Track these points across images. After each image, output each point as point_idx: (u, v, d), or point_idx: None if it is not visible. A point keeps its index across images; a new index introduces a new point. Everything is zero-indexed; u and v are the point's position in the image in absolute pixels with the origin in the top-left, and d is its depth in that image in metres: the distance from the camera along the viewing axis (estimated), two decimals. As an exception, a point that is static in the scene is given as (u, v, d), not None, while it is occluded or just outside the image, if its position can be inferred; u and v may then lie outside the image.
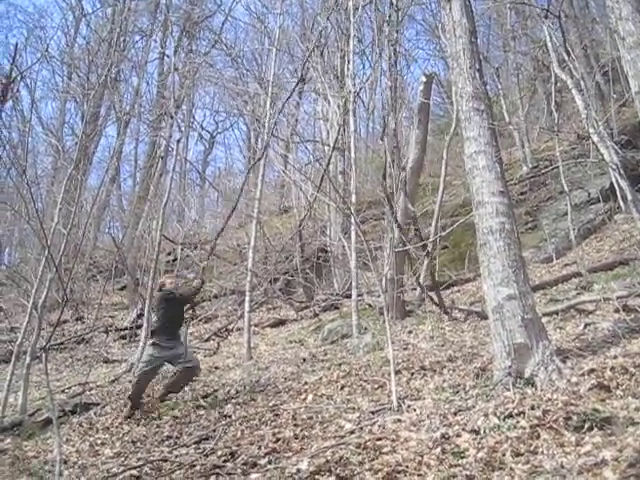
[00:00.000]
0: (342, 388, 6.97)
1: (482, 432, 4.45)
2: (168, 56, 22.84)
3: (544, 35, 13.84)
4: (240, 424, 6.45)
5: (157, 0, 25.32)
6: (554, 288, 10.66)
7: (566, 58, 11.07)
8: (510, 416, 4.57)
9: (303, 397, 6.95)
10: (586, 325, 7.34)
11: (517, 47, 21.65)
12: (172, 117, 15.58)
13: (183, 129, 21.87)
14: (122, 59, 22.50)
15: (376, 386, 6.73)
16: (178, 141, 15.12)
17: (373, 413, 5.71)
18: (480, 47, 19.29)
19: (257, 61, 25.86)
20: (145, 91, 27.08)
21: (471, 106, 6.54)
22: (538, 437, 4.14)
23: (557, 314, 8.31)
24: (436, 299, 10.37)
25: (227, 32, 36.78)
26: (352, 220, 10.69)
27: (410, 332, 9.49)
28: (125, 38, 23.74)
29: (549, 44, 10.31)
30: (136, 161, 28.17)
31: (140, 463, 5.39)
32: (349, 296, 10.78)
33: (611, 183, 12.66)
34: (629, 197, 8.16)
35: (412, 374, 6.91)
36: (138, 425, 7.35)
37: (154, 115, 22.82)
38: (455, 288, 12.11)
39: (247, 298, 11.30)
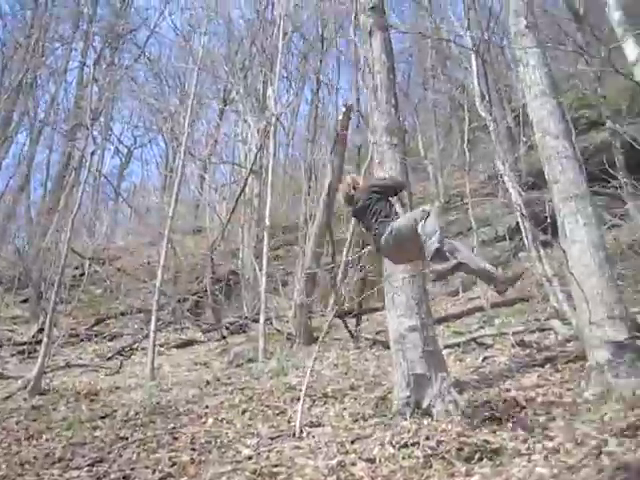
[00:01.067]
0: (243, 413, 6.90)
1: (377, 461, 4.50)
2: (88, 66, 22.34)
3: (462, 76, 14.39)
4: (137, 447, 6.26)
5: (80, 8, 24.75)
6: (458, 321, 10.96)
7: (485, 98, 11.49)
8: (405, 446, 4.65)
9: (203, 421, 6.83)
10: (485, 358, 7.59)
11: (436, 86, 22.34)
12: (88, 128, 15.23)
13: (99, 142, 21.41)
14: (40, 65, 21.91)
15: (277, 412, 6.70)
16: (92, 153, 14.77)
17: (272, 439, 5.68)
18: (400, 82, 19.93)
19: (180, 79, 25.67)
20: (62, 100, 26.32)
21: (385, 140, 6.69)
22: (431, 467, 4.23)
23: (459, 346, 8.54)
24: (345, 326, 10.47)
25: (151, 47, 36.43)
26: (264, 244, 10.68)
27: (315, 359, 9.50)
28: (44, 44, 23.09)
29: (474, 81, 10.68)
30: (48, 170, 27.21)
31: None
32: (257, 320, 10.74)
33: (517, 222, 13.17)
34: (529, 237, 8.51)
35: (314, 401, 6.92)
36: (29, 446, 7.05)
37: (69, 125, 22.22)
38: (364, 317, 12.24)
39: (153, 317, 11.08)
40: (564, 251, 6.03)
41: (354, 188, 5.65)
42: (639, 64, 4.86)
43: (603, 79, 14.71)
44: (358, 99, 13.33)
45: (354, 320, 10.93)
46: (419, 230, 4.65)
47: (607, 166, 14.20)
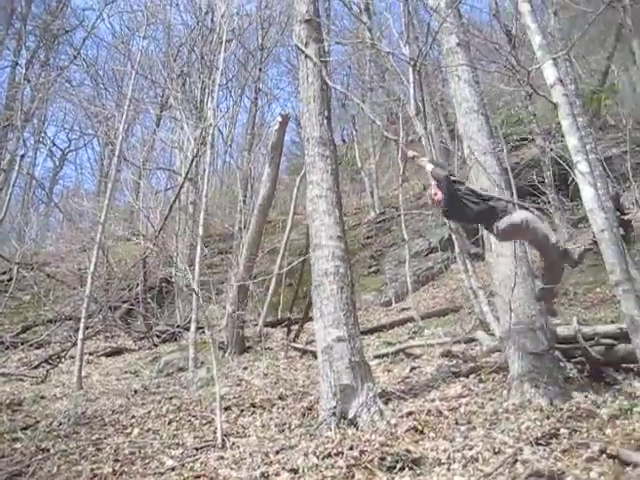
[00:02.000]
0: (170, 423, 6.83)
1: (301, 471, 4.53)
2: (20, 66, 21.77)
3: (399, 89, 14.60)
4: (58, 459, 6.11)
5: (13, 6, 24.10)
6: (390, 331, 11.09)
7: (420, 111, 11.65)
8: (329, 456, 4.68)
9: (129, 431, 6.73)
10: (412, 369, 7.70)
11: (373, 98, 22.60)
12: (19, 130, 14.88)
13: (31, 143, 20.92)
14: (-32, 63, 21.27)
15: (204, 422, 6.65)
16: (22, 156, 14.42)
17: (197, 449, 5.64)
18: (338, 93, 20.09)
19: (117, 82, 25.27)
20: (-8, 99, 25.55)
21: (317, 151, 6.75)
22: (353, 477, 4.28)
23: (387, 357, 8.63)
24: (280, 335, 10.50)
25: (88, 49, 35.82)
26: (197, 252, 10.59)
27: (246, 368, 9.48)
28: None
29: (410, 93, 10.83)
30: (-24, 172, 26.39)
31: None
32: (189, 328, 10.62)
33: (449, 234, 13.45)
34: (457, 250, 8.70)
35: (242, 411, 6.90)
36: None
37: (-1, 126, 21.60)
38: (296, 326, 12.26)
39: (82, 324, 10.83)
40: (489, 264, 6.18)
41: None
42: (556, 87, 5.03)
43: (533, 98, 15.18)
44: (293, 108, 13.34)
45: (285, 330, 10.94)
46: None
47: (537, 182, 14.67)
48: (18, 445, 6.86)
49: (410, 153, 6.27)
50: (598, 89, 17.20)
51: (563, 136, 5.59)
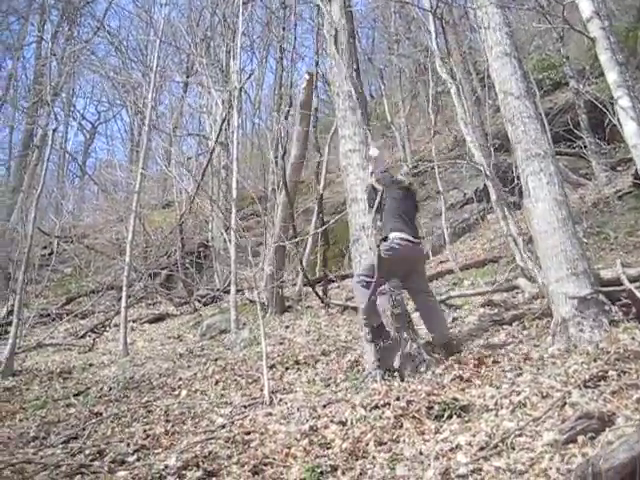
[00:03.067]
0: (216, 383, 6.95)
1: (349, 423, 4.57)
2: (46, 40, 21.84)
3: (426, 40, 14.31)
4: (111, 422, 6.28)
5: (34, -19, 24.14)
6: (429, 284, 11.04)
7: (446, 61, 11.46)
8: (376, 407, 4.72)
9: (177, 393, 6.88)
10: (454, 319, 7.69)
11: (400, 50, 22.21)
12: (49, 105, 14.98)
13: (61, 118, 21.08)
14: (-6, 41, 21.39)
15: (250, 381, 6.75)
16: (54, 130, 14.51)
17: (245, 407, 5.74)
18: (365, 48, 19.83)
19: (142, 51, 25.24)
20: (21, 76, 25.73)
21: (347, 105, 6.69)
22: (401, 426, 4.31)
23: (429, 309, 8.60)
24: (315, 293, 10.53)
25: (111, 19, 35.79)
26: (233, 215, 10.63)
27: (287, 327, 9.57)
28: (-2, 18, 22.53)
29: (433, 44, 10.61)
30: (10, 149, 26.73)
31: None
32: (229, 291, 10.73)
33: (485, 184, 13.27)
34: (494, 198, 8.58)
35: (286, 368, 6.98)
36: (3, 427, 7.02)
37: (30, 102, 21.77)
38: (334, 284, 12.30)
39: (124, 293, 11.02)
40: (528, 210, 6.10)
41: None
42: (593, 20, 4.87)
43: (566, 40, 14.77)
44: (317, 63, 13.15)
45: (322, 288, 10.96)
46: None
47: (572, 126, 14.34)
48: (72, 410, 7.07)
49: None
50: (634, 26, 16.62)
51: (598, 77, 5.47)
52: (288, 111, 13.88)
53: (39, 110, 20.33)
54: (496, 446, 3.60)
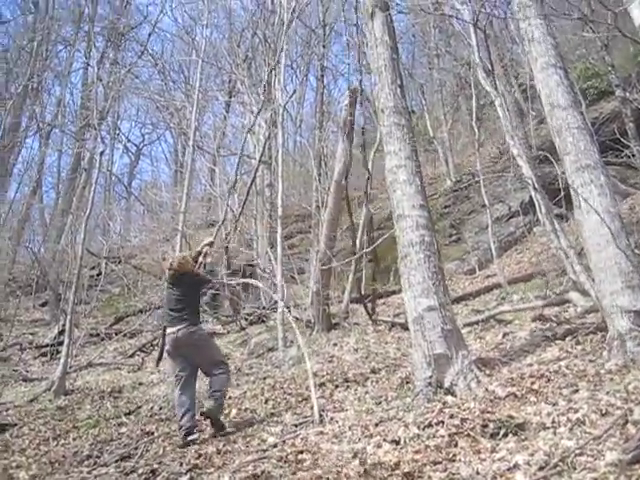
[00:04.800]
0: (266, 402, 6.95)
1: (402, 442, 4.50)
2: (92, 67, 22.36)
3: (467, 53, 14.25)
4: (162, 441, 6.34)
5: (81, 9, 24.76)
6: (476, 299, 10.94)
7: (490, 72, 11.37)
8: (429, 425, 4.64)
9: (227, 412, 6.88)
10: (505, 334, 7.56)
11: (441, 64, 22.19)
12: (96, 129, 15.28)
13: (107, 141, 21.50)
14: (44, 68, 21.96)
15: (300, 399, 6.73)
16: (101, 153, 14.79)
17: (296, 426, 5.72)
18: (405, 63, 19.84)
19: (184, 73, 25.65)
20: (68, 102, 26.35)
21: (392, 121, 6.66)
22: (456, 445, 4.22)
23: (478, 324, 8.52)
24: (365, 310, 10.50)
25: (153, 43, 36.50)
26: (278, 233, 10.68)
27: (335, 344, 9.53)
28: (47, 47, 23.13)
29: (475, 56, 10.56)
30: (59, 173, 27.35)
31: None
32: (275, 309, 10.76)
33: (530, 197, 13.08)
34: (543, 211, 8.45)
35: (336, 386, 6.95)
36: (57, 446, 7.13)
37: (77, 126, 22.28)
38: (380, 300, 12.25)
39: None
40: (579, 222, 5.98)
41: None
42: (645, 27, 4.78)
43: (611, 47, 14.55)
44: (360, 81, 13.17)
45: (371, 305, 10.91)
46: None
47: (618, 135, 14.07)
48: (124, 429, 7.17)
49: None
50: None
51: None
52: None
53: (86, 134, 20.78)
54: (556, 466, 3.49)
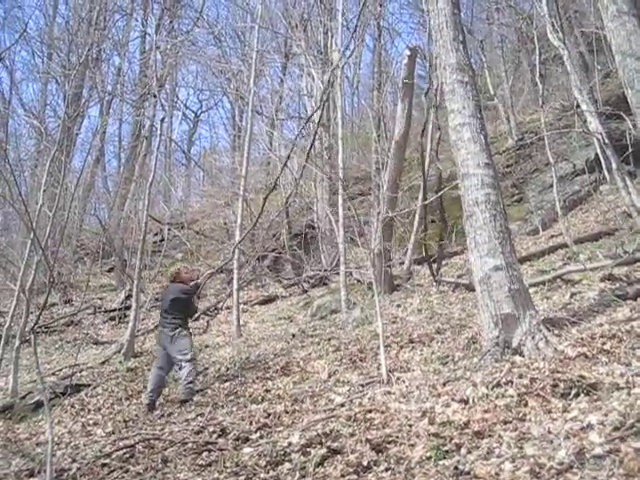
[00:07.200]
0: (332, 362, 7.01)
1: (471, 402, 4.48)
2: (149, 35, 22.52)
3: (528, 7, 13.79)
4: (231, 401, 6.48)
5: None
6: (541, 259, 10.72)
7: (555, 26, 10.99)
8: (498, 385, 4.60)
9: (293, 372, 6.98)
10: (572, 295, 7.40)
11: (501, 19, 21.53)
12: (155, 96, 15.43)
13: (167, 108, 21.71)
14: (103, 38, 22.17)
15: (365, 359, 6.77)
16: (162, 120, 14.91)
17: (363, 386, 5.77)
18: (464, 19, 19.26)
19: (240, 38, 25.54)
20: (127, 70, 26.59)
21: (455, 78, 6.51)
22: (526, 405, 4.18)
23: (544, 284, 8.36)
24: (430, 270, 10.43)
25: (209, 10, 36.45)
26: (339, 195, 10.65)
27: (398, 306, 9.53)
28: (105, 17, 23.32)
29: (544, 8, 10.20)
30: (120, 142, 27.83)
31: (132, 442, 5.38)
32: (337, 272, 10.80)
33: (596, 154, 12.68)
34: (614, 167, 8.17)
35: (401, 347, 6.96)
36: (130, 405, 7.38)
37: (137, 95, 22.52)
38: (443, 261, 12.15)
39: (235, 276, 11.30)
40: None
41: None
42: None
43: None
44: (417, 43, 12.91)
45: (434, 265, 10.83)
46: None
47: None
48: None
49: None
50: None
51: None
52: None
53: (146, 102, 21.00)
54: (632, 426, 3.41)
